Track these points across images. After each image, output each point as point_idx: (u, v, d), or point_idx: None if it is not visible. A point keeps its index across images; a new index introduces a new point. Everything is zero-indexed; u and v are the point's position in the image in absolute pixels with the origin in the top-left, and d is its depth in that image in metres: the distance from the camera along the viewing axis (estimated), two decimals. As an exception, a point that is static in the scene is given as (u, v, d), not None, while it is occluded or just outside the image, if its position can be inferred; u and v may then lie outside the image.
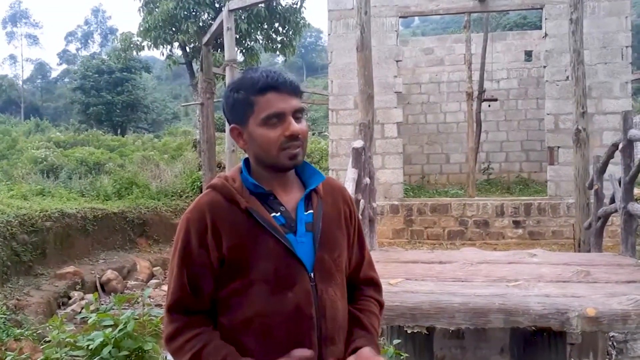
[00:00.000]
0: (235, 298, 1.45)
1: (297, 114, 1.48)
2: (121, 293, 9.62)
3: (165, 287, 10.61)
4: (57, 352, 2.91)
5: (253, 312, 1.43)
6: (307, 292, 1.46)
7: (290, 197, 1.53)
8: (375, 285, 1.72)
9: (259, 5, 14.95)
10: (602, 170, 6.49)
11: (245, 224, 1.45)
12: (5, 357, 3.29)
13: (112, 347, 2.81)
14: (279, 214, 1.49)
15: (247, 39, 18.02)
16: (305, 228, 1.50)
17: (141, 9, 17.90)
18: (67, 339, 3.00)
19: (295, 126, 1.46)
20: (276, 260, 1.44)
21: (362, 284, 1.68)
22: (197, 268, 1.45)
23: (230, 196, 1.47)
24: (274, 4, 17.04)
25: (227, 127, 1.60)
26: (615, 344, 5.00)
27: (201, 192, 1.62)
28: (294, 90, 1.49)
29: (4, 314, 7.29)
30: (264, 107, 1.45)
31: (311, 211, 1.53)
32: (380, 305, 1.70)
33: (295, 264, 1.46)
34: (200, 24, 17.25)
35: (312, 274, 1.47)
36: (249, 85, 1.47)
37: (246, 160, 1.57)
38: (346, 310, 1.57)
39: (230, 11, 10.80)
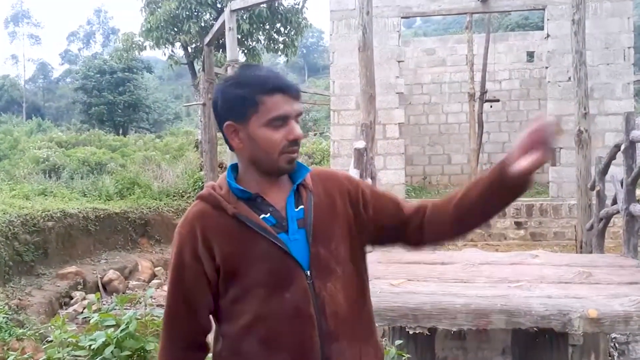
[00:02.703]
0: (235, 305, 1.44)
1: (298, 118, 1.48)
2: (123, 293, 9.62)
3: (166, 288, 10.64)
4: (59, 352, 2.91)
5: (252, 316, 1.42)
6: (304, 290, 1.43)
7: (280, 196, 1.50)
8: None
9: (261, 5, 14.96)
10: (604, 171, 6.48)
11: (236, 230, 1.43)
12: (8, 357, 3.29)
13: (114, 347, 2.81)
14: (268, 214, 1.46)
15: (249, 39, 18.06)
16: (297, 225, 1.47)
17: (143, 9, 17.95)
18: (69, 339, 3.01)
19: (299, 131, 1.46)
20: (271, 262, 1.42)
21: (417, 214, 1.58)
22: (193, 280, 1.45)
23: (217, 204, 1.46)
24: (276, 5, 17.05)
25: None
26: (617, 345, 5.00)
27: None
28: (298, 94, 1.47)
29: (6, 314, 7.29)
30: (271, 108, 1.42)
31: (302, 207, 1.50)
32: None
33: (290, 263, 1.43)
34: (202, 24, 17.28)
35: (308, 271, 1.44)
36: (256, 83, 1.43)
37: (233, 166, 1.55)
38: (354, 301, 1.51)
39: (232, 11, 10.82)
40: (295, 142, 1.45)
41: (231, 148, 1.51)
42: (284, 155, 1.45)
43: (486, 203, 1.49)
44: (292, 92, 1.45)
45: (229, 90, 1.46)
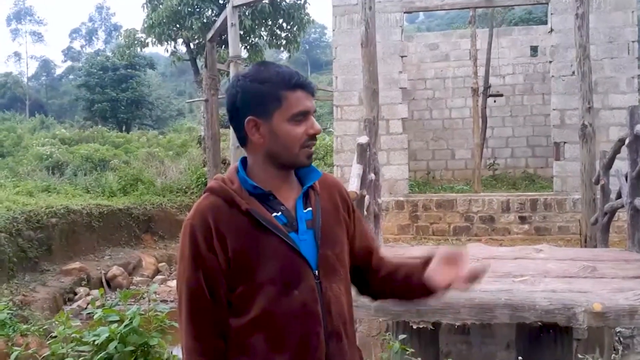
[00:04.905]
0: (243, 300, 1.44)
1: (314, 114, 1.53)
2: (127, 289, 9.65)
3: (170, 283, 10.67)
4: (63, 348, 2.92)
5: (260, 311, 1.42)
6: (312, 289, 1.46)
7: (289, 195, 1.52)
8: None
9: (263, 1, 14.94)
10: (608, 165, 6.47)
11: (248, 226, 1.44)
12: (12, 352, 3.30)
13: (118, 343, 2.82)
14: (279, 213, 1.48)
15: (252, 35, 18.02)
16: (305, 226, 1.50)
17: (145, 6, 17.93)
18: (73, 335, 3.02)
19: (319, 125, 1.51)
20: (281, 260, 1.44)
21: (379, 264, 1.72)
22: (211, 270, 1.43)
23: (230, 199, 1.46)
24: (278, 0, 17.02)
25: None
26: (621, 339, 4.98)
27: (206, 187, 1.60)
28: (314, 92, 1.52)
29: (11, 310, 7.30)
30: (294, 104, 1.46)
31: (310, 208, 1.53)
32: None
33: (300, 262, 1.46)
34: (204, 20, 17.25)
35: (316, 271, 1.48)
36: (279, 80, 1.45)
37: (243, 160, 1.55)
38: (351, 304, 1.58)
39: (234, 7, 10.80)
40: (314, 137, 1.50)
41: (243, 144, 1.53)
42: (304, 150, 1.48)
43: (405, 289, 1.65)
44: (310, 89, 1.50)
45: (249, 86, 1.47)
